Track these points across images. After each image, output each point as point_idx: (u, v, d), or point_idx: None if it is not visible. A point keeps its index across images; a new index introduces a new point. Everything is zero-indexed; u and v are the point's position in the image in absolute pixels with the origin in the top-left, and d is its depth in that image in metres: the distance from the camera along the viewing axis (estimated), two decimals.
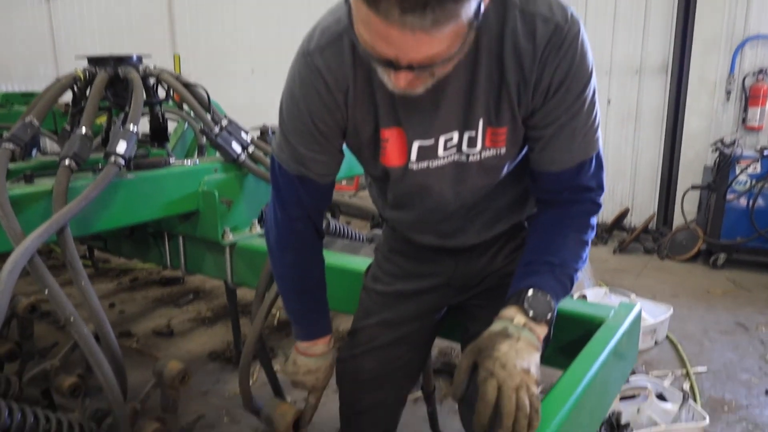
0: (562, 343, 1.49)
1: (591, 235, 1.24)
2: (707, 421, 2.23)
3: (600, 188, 1.22)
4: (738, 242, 4.50)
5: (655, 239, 5.18)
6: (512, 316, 1.07)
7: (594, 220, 1.24)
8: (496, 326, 1.07)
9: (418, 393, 2.65)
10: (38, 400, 1.78)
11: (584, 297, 3.30)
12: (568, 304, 1.54)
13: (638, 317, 1.55)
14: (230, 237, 2.17)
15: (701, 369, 3.00)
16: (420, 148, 1.17)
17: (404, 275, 1.51)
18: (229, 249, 2.21)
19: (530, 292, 1.10)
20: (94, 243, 2.87)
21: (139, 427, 1.62)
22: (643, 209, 5.43)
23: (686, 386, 2.82)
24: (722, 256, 4.60)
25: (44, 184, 1.77)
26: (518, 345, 1.01)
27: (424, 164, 1.20)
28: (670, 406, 2.40)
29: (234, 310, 2.56)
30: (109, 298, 3.98)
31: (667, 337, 3.35)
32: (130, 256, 2.62)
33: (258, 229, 2.27)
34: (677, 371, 2.98)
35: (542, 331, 1.08)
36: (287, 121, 1.21)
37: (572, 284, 1.18)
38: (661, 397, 2.48)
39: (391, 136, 1.16)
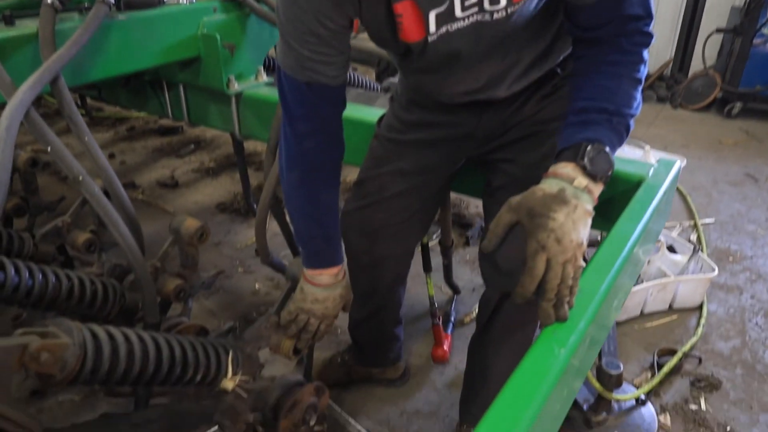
0: (598, 202, 1.43)
1: (644, 72, 1.11)
2: (716, 272, 2.27)
3: (648, 16, 1.07)
4: (757, 90, 4.33)
5: (669, 87, 4.99)
6: (572, 177, 0.97)
7: (646, 54, 1.11)
8: (551, 186, 0.96)
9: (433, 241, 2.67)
10: (54, 256, 1.75)
11: None
12: None
13: (677, 175, 1.48)
14: (235, 86, 2.02)
15: (709, 220, 3.02)
16: (437, 16, 1.06)
17: (424, 125, 1.41)
18: (235, 99, 2.06)
19: (589, 146, 0.98)
20: (88, 92, 2.69)
21: (161, 284, 1.61)
22: (660, 55, 5.15)
23: (693, 237, 2.85)
24: (738, 105, 4.45)
25: (27, 26, 1.57)
26: (575, 214, 0.92)
27: (443, 30, 1.08)
28: (679, 258, 2.44)
29: (242, 162, 2.48)
30: (107, 148, 3.87)
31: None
32: (128, 105, 2.47)
33: (264, 77, 2.10)
34: (685, 222, 3.00)
35: (599, 191, 0.99)
36: (286, 22, 1.08)
37: (628, 133, 1.07)
38: (670, 249, 2.50)
39: (404, 11, 1.05)
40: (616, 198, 1.40)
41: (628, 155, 3.26)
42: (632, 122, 1.07)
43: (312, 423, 1.43)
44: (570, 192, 0.94)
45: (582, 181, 0.96)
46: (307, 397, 1.42)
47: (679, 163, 1.49)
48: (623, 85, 1.07)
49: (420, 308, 2.33)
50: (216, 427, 1.31)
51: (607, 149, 1.00)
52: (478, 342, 1.61)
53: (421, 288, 2.45)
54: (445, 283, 2.30)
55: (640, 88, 1.09)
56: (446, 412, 1.85)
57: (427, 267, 1.94)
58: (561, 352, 0.88)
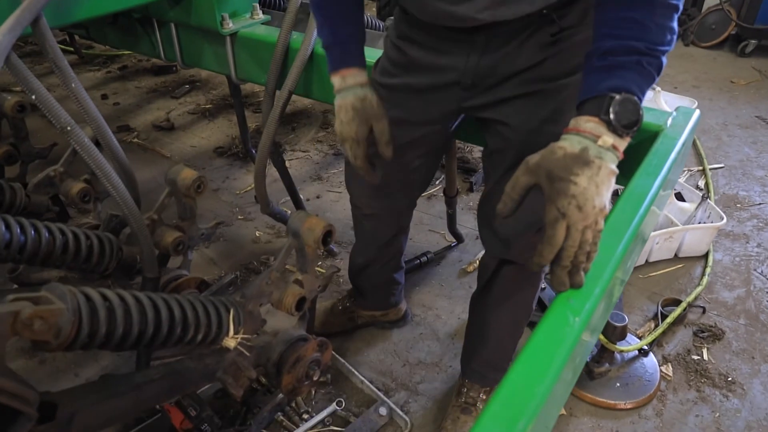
0: None
1: None
2: (724, 221, 2.23)
3: None
4: None
5: (681, 22, 4.79)
6: (596, 134, 0.87)
7: None
8: (572, 144, 0.87)
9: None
10: (48, 207, 1.70)
11: None
12: None
13: (696, 125, 1.40)
14: (230, 25, 1.90)
15: (717, 165, 2.95)
16: None
17: (412, 66, 1.31)
18: (230, 39, 1.95)
19: (616, 97, 0.87)
20: (75, 30, 2.56)
21: (159, 237, 1.56)
22: None
23: (701, 183, 2.80)
24: (752, 43, 4.29)
25: None
26: (599, 176, 0.85)
27: None
28: (687, 206, 2.39)
29: (240, 106, 2.39)
30: (99, 88, 3.75)
31: None
32: (117, 45, 2.35)
33: (260, 14, 1.98)
34: (693, 168, 2.94)
35: (625, 145, 0.90)
36: None
37: (660, 73, 0.92)
38: (678, 196, 2.45)
39: None
40: (632, 149, 1.33)
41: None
42: (665, 59, 0.92)
43: (315, 378, 1.43)
44: (593, 152, 0.86)
45: (607, 139, 0.86)
46: (310, 352, 1.41)
47: (697, 113, 1.42)
48: (657, 15, 0.89)
49: (410, 254, 2.30)
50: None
51: (636, 98, 0.88)
52: (477, 301, 1.60)
53: (424, 236, 2.42)
54: (448, 231, 2.27)
55: (676, 16, 0.91)
56: (449, 362, 1.85)
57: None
58: (575, 321, 0.85)
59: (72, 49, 3.79)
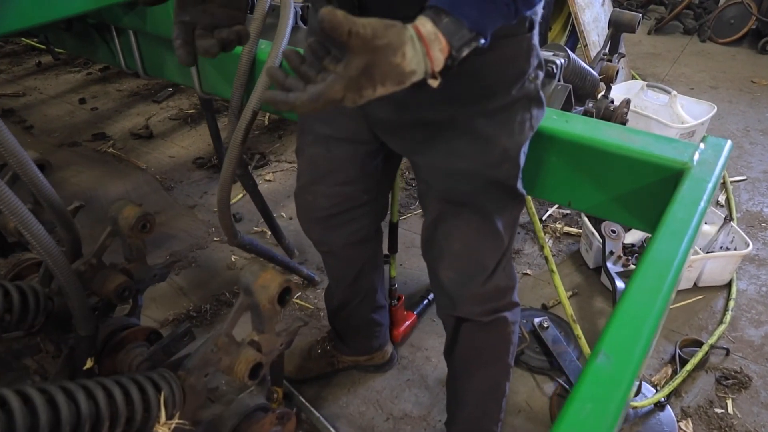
0: (634, 195, 1.15)
1: None
2: (750, 248, 2.00)
3: None
4: None
5: (697, 17, 4.52)
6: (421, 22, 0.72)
7: None
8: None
9: None
10: None
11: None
12: (632, 139, 1.16)
13: (727, 158, 1.17)
14: None
15: (739, 178, 2.71)
16: None
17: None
18: None
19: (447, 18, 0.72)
20: (29, 39, 2.34)
21: (100, 283, 1.35)
22: None
23: (722, 198, 2.55)
24: None
25: None
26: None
27: None
28: (708, 228, 2.16)
29: (212, 119, 2.17)
30: (78, 91, 3.54)
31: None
32: (75, 52, 2.14)
33: None
34: None
35: (441, 58, 0.72)
36: None
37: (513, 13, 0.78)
38: None
39: None
40: (652, 190, 1.11)
41: (653, 102, 2.92)
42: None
43: None
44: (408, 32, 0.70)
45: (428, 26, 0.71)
46: (267, 426, 1.20)
47: (729, 144, 1.19)
48: None
49: (414, 287, 2.08)
50: None
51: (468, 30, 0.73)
52: (447, 358, 1.43)
53: (417, 260, 2.20)
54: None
55: None
56: (438, 415, 1.64)
57: (392, 248, 1.70)
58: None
59: (46, 48, 3.58)
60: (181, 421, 1.02)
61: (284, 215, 2.46)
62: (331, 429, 1.56)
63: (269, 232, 2.14)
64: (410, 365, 1.79)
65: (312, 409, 1.62)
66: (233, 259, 2.23)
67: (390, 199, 1.55)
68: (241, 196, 2.53)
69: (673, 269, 0.84)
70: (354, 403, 1.67)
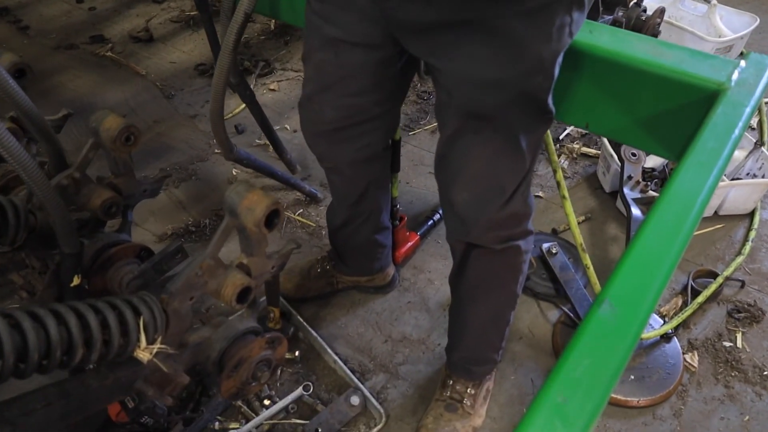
0: (661, 119, 1.04)
1: None
2: None
3: None
4: None
5: None
6: None
7: None
8: None
9: None
10: None
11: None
12: (664, 54, 1.02)
13: None
14: None
15: None
16: None
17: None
18: None
19: None
20: None
21: (85, 198, 1.29)
22: None
23: (754, 121, 2.38)
24: None
25: None
26: None
27: None
28: (737, 153, 2.02)
29: (208, 22, 2.01)
30: None
31: (742, 53, 2.77)
32: None
33: None
34: None
35: None
36: None
37: None
38: None
39: None
40: (680, 113, 1.00)
41: (690, 12, 2.68)
42: None
43: (263, 381, 1.20)
44: None
45: None
46: (257, 350, 1.17)
47: None
48: None
49: (420, 207, 2.01)
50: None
51: None
52: (453, 284, 1.36)
53: (424, 179, 2.11)
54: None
55: None
56: (437, 339, 1.61)
57: (394, 166, 1.61)
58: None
59: None
60: (162, 346, 0.99)
61: (288, 128, 2.35)
62: (329, 349, 1.55)
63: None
64: (412, 288, 1.75)
65: (309, 328, 1.60)
66: (234, 173, 2.15)
67: None
68: (244, 106, 2.42)
69: (696, 208, 0.75)
70: (353, 324, 1.65)
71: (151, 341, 0.98)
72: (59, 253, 1.22)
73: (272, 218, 1.05)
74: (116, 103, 2.49)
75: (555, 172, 1.38)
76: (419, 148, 2.23)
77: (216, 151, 2.24)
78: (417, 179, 2.12)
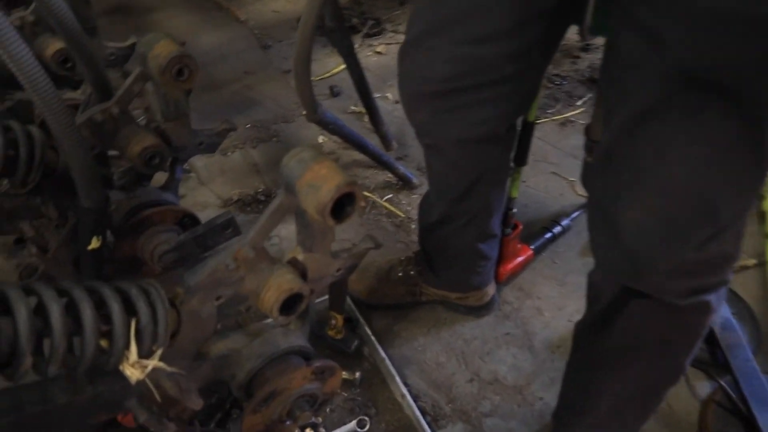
0: None
1: None
2: None
3: None
4: None
5: None
6: None
7: None
8: None
9: None
10: None
11: None
12: None
13: None
14: None
15: None
16: None
17: None
18: None
19: None
20: None
21: (123, 142, 1.02)
22: None
23: None
24: None
25: None
26: None
27: None
28: None
29: None
30: None
31: None
32: None
33: None
34: None
35: None
36: None
37: None
38: None
39: None
40: None
41: None
42: None
43: (302, 420, 0.87)
44: None
45: None
46: (299, 381, 0.85)
47: None
48: None
49: (535, 213, 1.61)
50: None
51: None
52: (585, 335, 0.96)
53: (544, 180, 1.71)
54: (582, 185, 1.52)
55: None
56: (539, 390, 1.22)
57: (520, 158, 1.22)
58: None
59: None
60: (160, 364, 0.68)
61: (390, 97, 2.02)
62: (397, 377, 1.20)
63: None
64: (514, 315, 1.37)
65: (378, 345, 1.26)
66: (320, 140, 1.85)
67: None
68: (343, 67, 2.11)
69: None
70: (433, 348, 1.30)
71: (146, 353, 0.68)
72: (78, 206, 0.95)
73: (343, 205, 0.71)
74: (209, 48, 2.26)
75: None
76: (543, 141, 1.83)
77: (304, 112, 1.95)
78: (536, 178, 1.72)
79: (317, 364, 0.84)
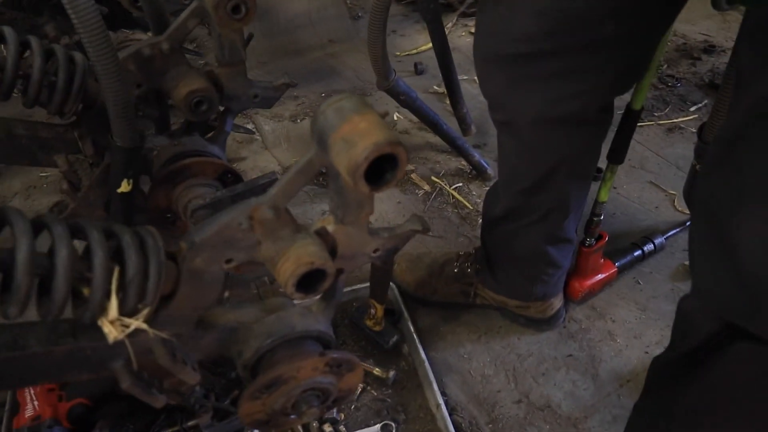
0: None
1: None
2: None
3: None
4: None
5: None
6: None
7: None
8: None
9: None
10: None
11: None
12: None
13: None
14: None
15: None
16: None
17: None
18: None
19: None
20: None
21: (171, 83, 0.94)
22: None
23: None
24: None
25: None
26: None
27: None
28: None
29: None
30: None
31: None
32: None
33: None
34: None
35: None
36: None
37: None
38: None
39: None
40: None
41: None
42: None
43: (311, 415, 0.76)
44: None
45: None
46: (309, 371, 0.73)
47: None
48: None
49: (624, 226, 1.41)
50: None
51: None
52: (667, 377, 0.78)
53: (638, 190, 1.50)
54: (684, 200, 1.31)
55: None
56: (596, 428, 1.04)
57: (615, 155, 1.02)
58: None
59: None
60: (144, 326, 0.58)
61: (477, 81, 1.86)
62: (435, 384, 1.07)
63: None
64: (580, 336, 1.19)
65: (419, 345, 1.13)
66: (395, 118, 1.73)
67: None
68: (416, 50, 1.99)
69: None
70: (480, 358, 1.15)
71: (129, 311, 0.58)
72: (111, 144, 0.88)
73: (384, 170, 0.58)
74: (297, 13, 2.18)
75: None
76: (644, 146, 1.61)
77: None
78: (630, 186, 1.51)
79: (333, 355, 0.72)
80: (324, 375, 0.73)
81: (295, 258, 0.66)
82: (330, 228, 0.70)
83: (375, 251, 0.75)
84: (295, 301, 0.81)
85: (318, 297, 0.76)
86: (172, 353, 0.67)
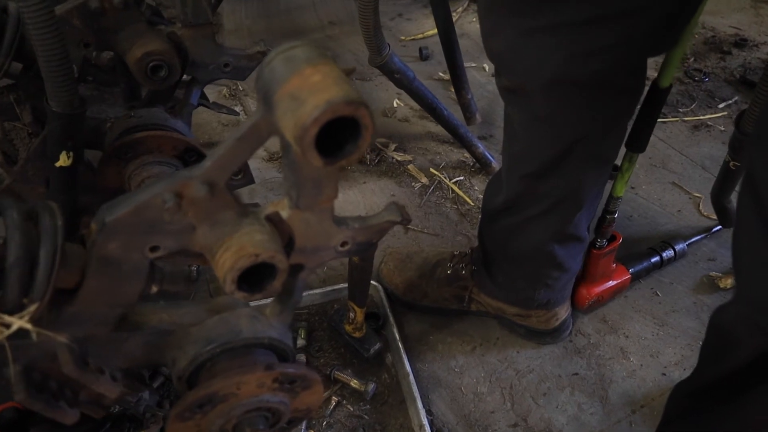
0: None
1: None
2: None
3: None
4: None
5: None
6: None
7: None
8: None
9: None
10: None
11: None
12: None
13: None
14: None
15: None
16: None
17: None
18: None
19: None
20: None
21: (126, 43, 0.81)
22: None
23: None
24: None
25: None
26: None
27: None
28: None
29: None
30: None
31: None
32: None
33: None
34: None
35: None
36: None
37: None
38: None
39: None
40: None
41: None
42: None
43: None
44: None
45: None
46: (252, 388, 0.60)
47: None
48: None
49: (642, 229, 1.27)
50: None
51: None
52: (694, 406, 0.65)
53: (659, 191, 1.36)
54: (711, 203, 1.16)
55: None
56: None
57: (635, 143, 0.88)
58: None
59: None
60: (28, 326, 0.46)
61: (487, 68, 1.73)
62: (419, 401, 0.93)
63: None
64: (589, 351, 1.05)
65: (404, 356, 0.99)
66: (395, 105, 1.60)
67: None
68: (421, 35, 1.86)
69: None
70: (473, 373, 1.01)
71: (11, 307, 0.46)
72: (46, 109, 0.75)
73: (343, 140, 0.45)
74: None
75: None
76: (666, 144, 1.47)
77: None
78: (650, 186, 1.37)
79: (283, 369, 0.59)
80: (273, 392, 0.60)
81: (237, 248, 0.53)
82: (284, 214, 0.57)
83: (343, 245, 0.62)
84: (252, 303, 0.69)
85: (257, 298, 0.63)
86: (81, 360, 0.55)
